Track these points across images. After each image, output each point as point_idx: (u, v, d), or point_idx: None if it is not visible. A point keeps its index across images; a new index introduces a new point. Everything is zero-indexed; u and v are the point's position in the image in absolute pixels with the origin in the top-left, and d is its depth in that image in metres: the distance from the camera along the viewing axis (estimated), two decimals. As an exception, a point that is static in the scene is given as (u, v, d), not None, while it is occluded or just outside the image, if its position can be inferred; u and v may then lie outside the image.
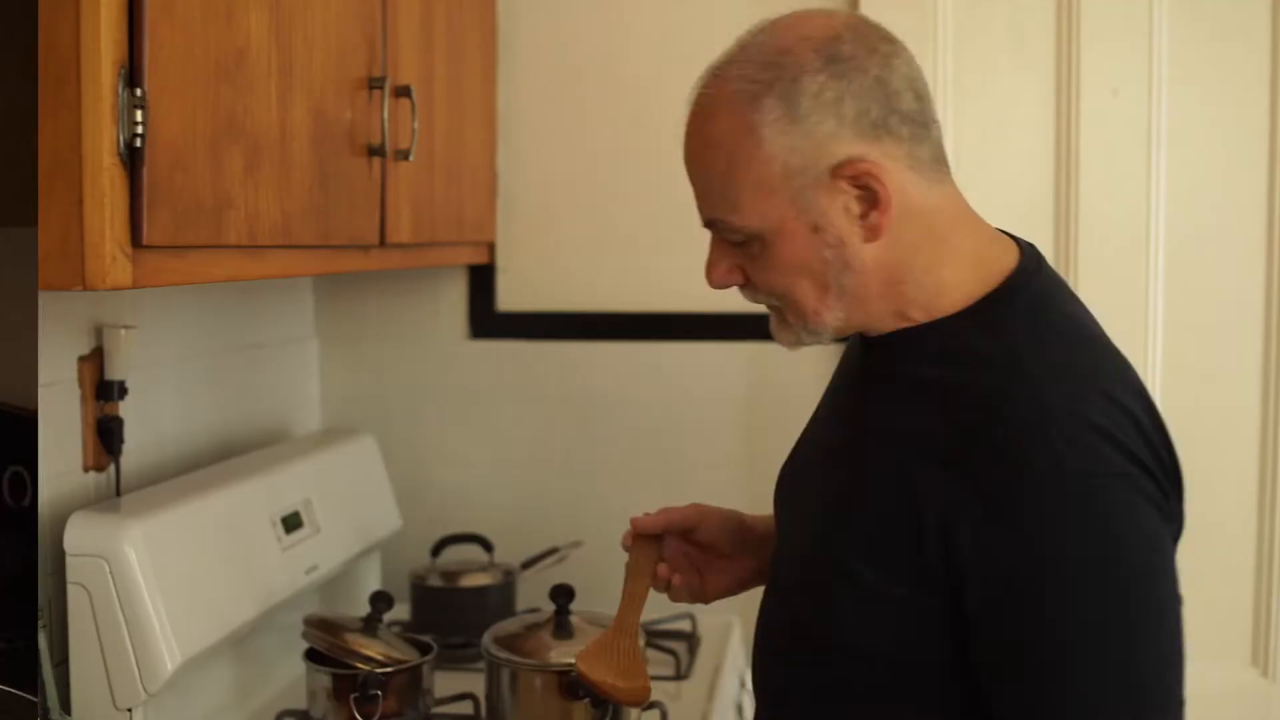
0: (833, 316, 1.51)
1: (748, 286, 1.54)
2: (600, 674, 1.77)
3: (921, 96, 1.48)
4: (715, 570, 1.80)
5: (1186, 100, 2.82)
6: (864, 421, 1.56)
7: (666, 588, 1.79)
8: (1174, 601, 1.38)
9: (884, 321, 1.53)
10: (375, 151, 2.15)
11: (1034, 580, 1.34)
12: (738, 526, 1.80)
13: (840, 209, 1.46)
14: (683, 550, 1.80)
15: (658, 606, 2.51)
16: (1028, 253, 1.56)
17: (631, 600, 1.78)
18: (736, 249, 1.52)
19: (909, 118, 1.46)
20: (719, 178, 1.49)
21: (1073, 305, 1.56)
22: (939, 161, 1.51)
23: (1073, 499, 1.34)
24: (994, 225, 1.60)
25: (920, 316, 1.51)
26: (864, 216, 1.46)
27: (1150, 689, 1.35)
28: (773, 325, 1.57)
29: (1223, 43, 2.80)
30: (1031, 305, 1.50)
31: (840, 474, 1.54)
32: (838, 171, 1.45)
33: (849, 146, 1.44)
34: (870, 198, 1.45)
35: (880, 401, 1.55)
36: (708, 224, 1.53)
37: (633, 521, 1.77)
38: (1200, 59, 2.81)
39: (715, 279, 1.55)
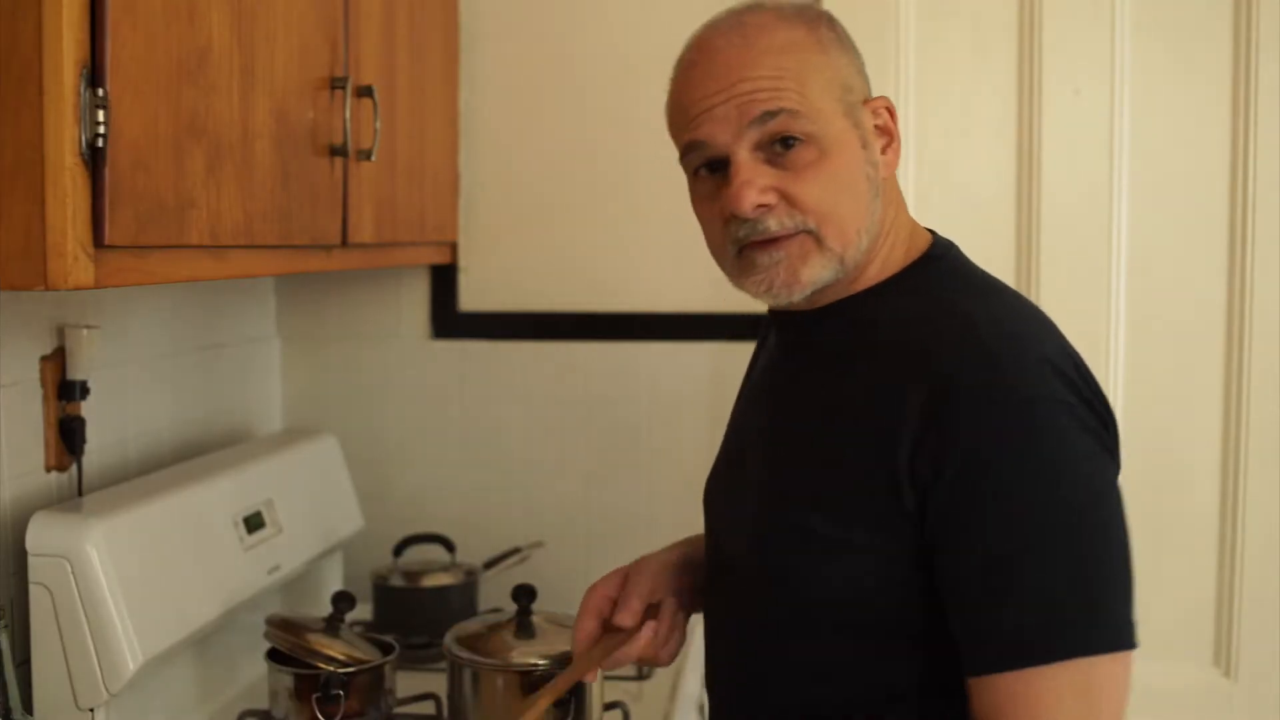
0: (859, 245, 1.55)
1: (778, 208, 1.51)
2: None
3: None
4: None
5: (1148, 100, 2.83)
6: (816, 391, 1.59)
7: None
8: (1121, 525, 1.43)
9: (848, 277, 1.58)
10: (337, 151, 2.15)
11: (990, 500, 1.40)
12: (679, 561, 1.83)
13: (872, 133, 1.57)
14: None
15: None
16: (939, 237, 1.66)
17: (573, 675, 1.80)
18: (771, 167, 1.51)
19: None
20: (791, 77, 1.50)
21: (987, 274, 1.64)
22: None
23: (1025, 422, 1.40)
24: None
25: (857, 284, 1.59)
26: (883, 151, 1.58)
27: (1096, 605, 1.40)
28: (788, 263, 1.53)
29: (1185, 42, 2.81)
30: (952, 269, 1.61)
31: (795, 443, 1.58)
32: (868, 102, 1.58)
33: (868, 87, 1.59)
34: (886, 133, 1.58)
35: (829, 369, 1.59)
36: (764, 122, 1.50)
37: (618, 622, 1.74)
38: (1162, 59, 2.82)
39: (751, 198, 1.49)
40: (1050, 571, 1.38)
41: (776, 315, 1.68)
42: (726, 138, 1.51)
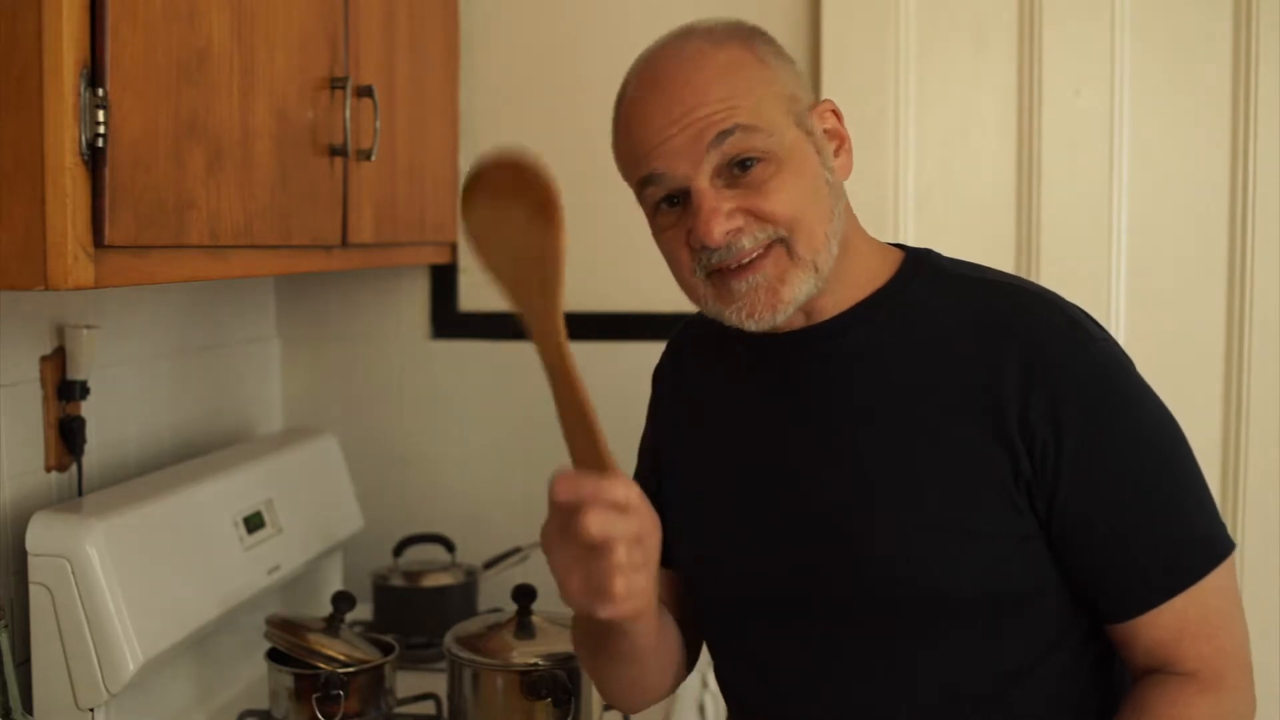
0: (830, 250, 1.54)
1: (746, 226, 1.49)
2: None
3: None
4: None
5: (1148, 102, 2.83)
6: (881, 391, 1.58)
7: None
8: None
9: (842, 289, 1.59)
10: (337, 151, 2.15)
11: (1125, 444, 1.51)
12: None
13: (823, 138, 1.57)
14: None
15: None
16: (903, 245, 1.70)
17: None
18: (733, 190, 1.50)
19: None
20: (740, 96, 1.50)
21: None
22: None
23: (1119, 365, 1.55)
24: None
25: (851, 295, 1.60)
26: (836, 154, 1.58)
27: (1216, 512, 1.55)
28: (766, 286, 1.51)
29: (1185, 43, 2.81)
30: (949, 262, 1.65)
31: (887, 447, 1.55)
32: (814, 108, 1.57)
33: (812, 94, 1.58)
34: (836, 137, 1.59)
35: (885, 368, 1.58)
36: (720, 142, 1.48)
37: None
38: (1162, 60, 2.82)
39: (720, 225, 1.48)
40: (1188, 492, 1.52)
41: (756, 340, 1.62)
42: (685, 168, 1.50)
